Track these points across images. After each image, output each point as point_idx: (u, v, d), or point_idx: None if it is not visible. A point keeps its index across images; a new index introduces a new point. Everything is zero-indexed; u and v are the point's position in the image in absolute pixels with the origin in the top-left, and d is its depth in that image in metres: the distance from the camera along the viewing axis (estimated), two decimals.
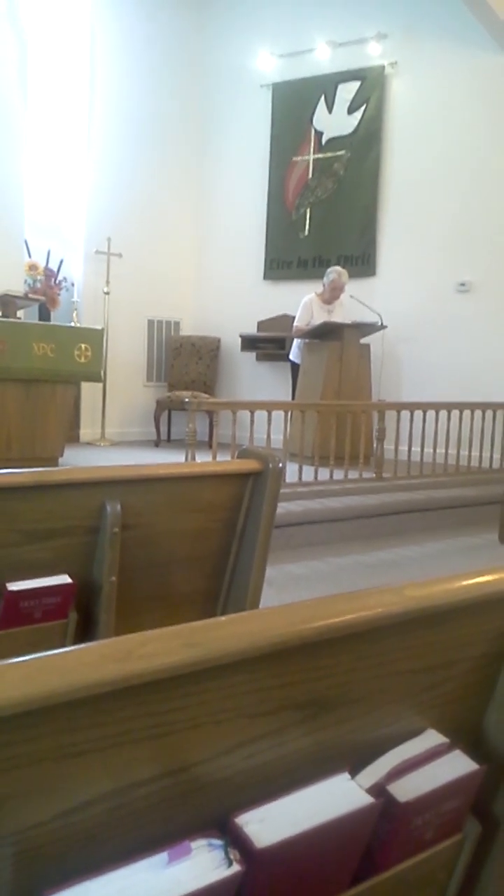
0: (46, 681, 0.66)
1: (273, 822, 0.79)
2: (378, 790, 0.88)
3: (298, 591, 4.15)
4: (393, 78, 7.52)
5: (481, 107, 7.06)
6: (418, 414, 6.22)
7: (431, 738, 0.98)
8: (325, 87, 7.85)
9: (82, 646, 0.73)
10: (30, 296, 6.66)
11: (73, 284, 7.88)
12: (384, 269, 7.60)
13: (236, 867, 0.74)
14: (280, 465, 1.90)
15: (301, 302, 6.98)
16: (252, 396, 7.74)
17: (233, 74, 8.33)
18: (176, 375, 8.36)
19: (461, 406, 6.34)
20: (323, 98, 7.87)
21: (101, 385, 7.36)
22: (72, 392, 5.83)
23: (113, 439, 7.84)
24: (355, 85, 7.67)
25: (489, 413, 6.51)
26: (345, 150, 7.78)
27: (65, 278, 7.77)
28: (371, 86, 7.59)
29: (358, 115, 7.68)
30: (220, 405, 6.17)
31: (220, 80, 8.44)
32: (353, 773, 0.89)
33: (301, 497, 5.39)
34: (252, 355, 8.19)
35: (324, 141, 7.91)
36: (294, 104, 8.04)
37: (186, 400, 5.53)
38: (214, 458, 5.15)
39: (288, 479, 5.14)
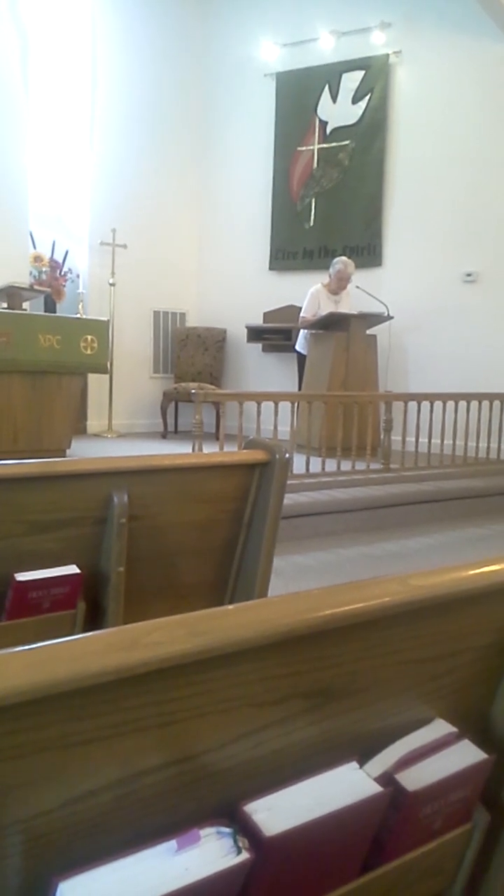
0: (52, 669, 0.66)
1: (282, 811, 0.79)
2: (386, 779, 0.88)
3: (305, 582, 4.14)
4: (397, 67, 7.47)
5: (486, 95, 7.02)
6: (425, 405, 6.20)
7: (440, 727, 0.98)
8: (328, 76, 7.80)
9: (88, 634, 0.72)
10: (35, 287, 6.65)
11: (78, 276, 7.87)
12: (390, 259, 7.57)
13: (245, 855, 0.74)
14: (287, 455, 1.89)
15: (308, 292, 6.96)
16: (258, 387, 7.73)
17: (236, 64, 8.29)
18: (182, 367, 8.35)
19: (468, 397, 6.32)
20: (327, 87, 7.83)
21: (107, 377, 7.35)
22: (78, 384, 5.83)
23: (120, 431, 7.84)
24: (359, 74, 7.63)
25: (497, 403, 6.49)
26: (349, 140, 7.74)
27: (70, 270, 7.76)
28: (375, 75, 7.54)
29: (362, 104, 7.64)
30: (226, 396, 6.17)
31: (224, 70, 8.40)
32: (362, 762, 0.89)
33: (308, 488, 5.39)
34: (258, 346, 8.17)
35: (328, 131, 7.87)
36: (298, 94, 7.99)
37: (193, 391, 5.53)
38: (221, 449, 5.14)
39: (295, 471, 5.14)
